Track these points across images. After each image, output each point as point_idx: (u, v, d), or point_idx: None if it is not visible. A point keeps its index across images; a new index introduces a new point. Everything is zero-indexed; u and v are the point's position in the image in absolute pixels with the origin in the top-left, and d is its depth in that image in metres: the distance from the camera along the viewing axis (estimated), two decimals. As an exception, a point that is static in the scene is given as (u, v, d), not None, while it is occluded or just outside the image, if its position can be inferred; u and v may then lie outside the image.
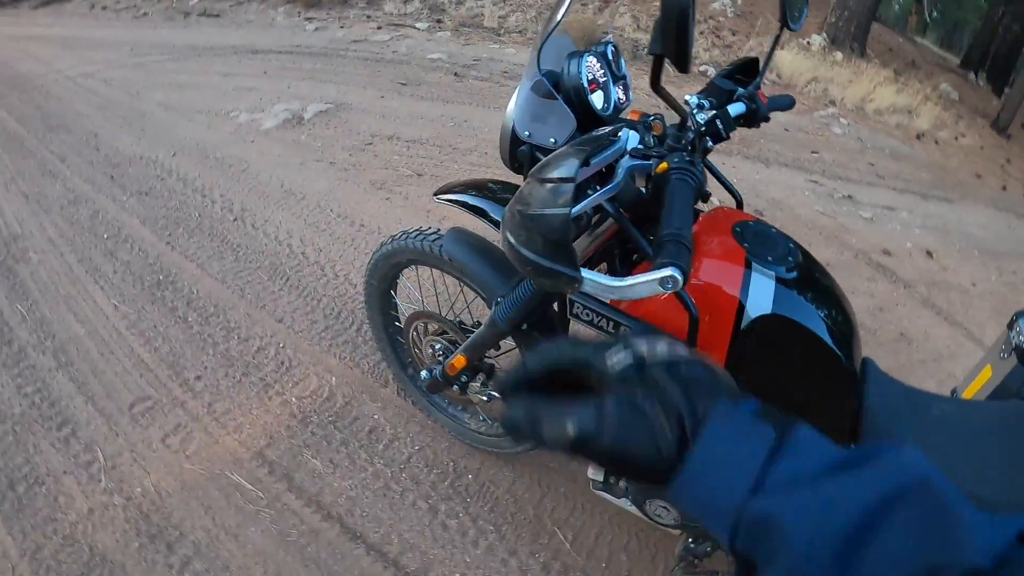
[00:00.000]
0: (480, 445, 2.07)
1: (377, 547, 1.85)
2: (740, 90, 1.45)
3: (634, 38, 6.44)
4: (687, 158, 1.07)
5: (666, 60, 1.12)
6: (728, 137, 1.34)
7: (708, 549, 1.69)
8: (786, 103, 1.60)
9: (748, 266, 1.21)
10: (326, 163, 3.59)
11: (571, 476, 2.07)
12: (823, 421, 1.36)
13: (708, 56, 6.65)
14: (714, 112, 1.31)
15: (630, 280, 0.88)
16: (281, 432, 2.11)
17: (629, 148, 1.09)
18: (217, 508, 1.91)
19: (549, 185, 0.84)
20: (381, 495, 1.98)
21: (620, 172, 1.04)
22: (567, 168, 0.84)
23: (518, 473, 2.09)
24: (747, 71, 1.56)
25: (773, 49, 1.53)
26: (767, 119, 1.50)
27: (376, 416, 2.19)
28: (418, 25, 6.26)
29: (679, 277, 0.86)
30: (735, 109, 1.40)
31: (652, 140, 1.20)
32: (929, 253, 4.56)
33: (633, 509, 1.69)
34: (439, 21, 6.46)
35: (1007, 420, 1.47)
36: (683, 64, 0.98)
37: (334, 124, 4.03)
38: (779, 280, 1.22)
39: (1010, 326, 1.78)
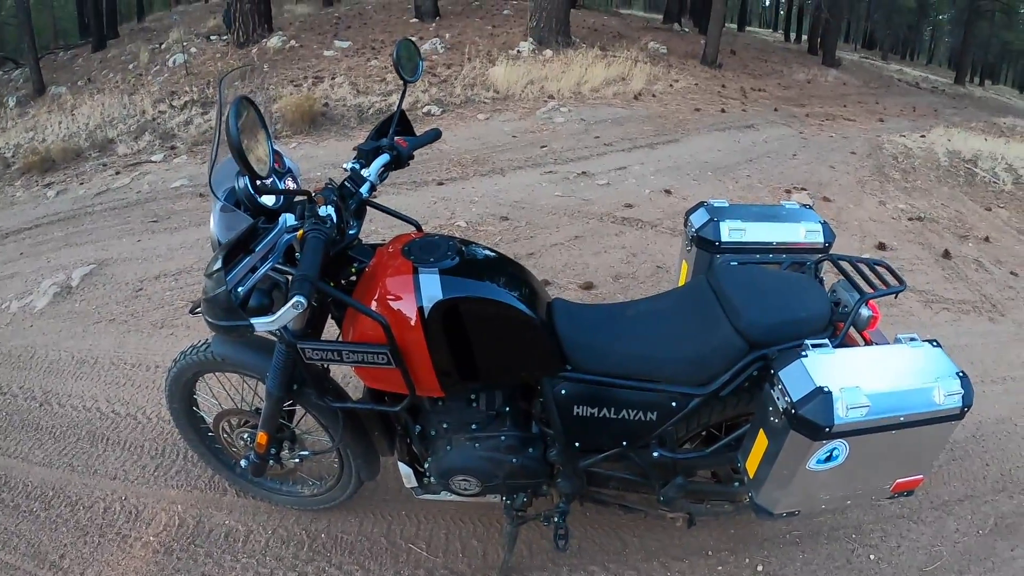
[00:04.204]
0: (320, 506, 2.35)
1: (269, 626, 2.07)
2: (382, 143, 1.86)
3: (356, 103, 6.88)
4: (315, 221, 1.48)
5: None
6: (374, 189, 1.77)
7: (525, 499, 2.03)
8: (431, 137, 2.03)
9: (416, 272, 1.59)
10: (105, 322, 3.66)
11: (406, 499, 2.38)
12: (531, 363, 1.75)
13: (428, 97, 7.21)
14: (341, 185, 1.73)
15: (278, 313, 1.30)
16: (152, 570, 2.24)
17: (286, 228, 1.48)
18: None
19: (212, 277, 1.25)
20: (255, 585, 2.19)
21: (279, 247, 1.44)
22: (216, 263, 1.26)
23: (362, 515, 2.39)
24: (401, 123, 1.97)
25: (400, 102, 1.95)
26: (412, 157, 1.93)
27: (227, 521, 2.39)
28: (154, 158, 6.32)
29: (303, 300, 1.27)
30: (381, 160, 1.81)
31: (326, 211, 1.56)
32: (668, 191, 5.20)
33: (452, 496, 2.03)
34: (173, 148, 6.55)
35: (691, 295, 1.88)
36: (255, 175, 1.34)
37: (102, 283, 4.08)
38: (443, 272, 1.60)
39: (685, 224, 2.21)
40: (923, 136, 7.32)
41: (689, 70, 10.52)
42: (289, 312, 1.29)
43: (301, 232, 1.45)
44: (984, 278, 4.31)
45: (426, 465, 1.94)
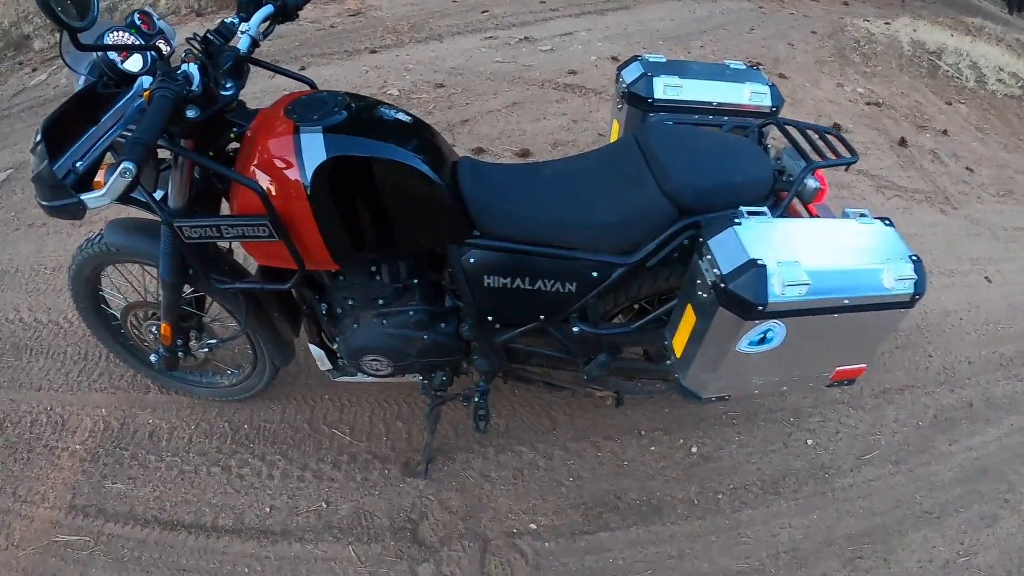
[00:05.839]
0: (241, 395, 2.29)
1: (195, 524, 2.06)
2: None
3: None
4: (163, 77, 1.29)
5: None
6: (256, 44, 1.58)
7: (444, 378, 1.94)
8: None
9: (297, 132, 1.42)
10: (24, 227, 3.46)
11: (329, 384, 2.31)
12: (432, 229, 1.60)
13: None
14: (204, 39, 1.50)
15: (106, 186, 1.12)
16: (80, 479, 2.20)
17: (140, 91, 1.30)
18: (60, 571, 1.99)
19: (36, 151, 1.10)
20: (180, 481, 2.16)
21: (128, 114, 1.25)
22: (37, 135, 1.10)
23: (284, 403, 2.35)
24: None
25: None
26: (300, 8, 1.69)
27: (151, 420, 2.33)
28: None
29: (131, 166, 1.10)
30: (263, 12, 1.61)
31: (189, 68, 1.38)
32: (615, 58, 4.97)
33: (370, 378, 1.97)
34: (93, 39, 6.11)
35: (616, 153, 1.71)
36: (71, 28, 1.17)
37: (20, 187, 3.82)
38: (327, 130, 1.42)
39: (617, 79, 2.01)
40: (888, 23, 7.05)
41: (650, -68, 9.92)
42: (118, 182, 1.12)
43: (147, 93, 1.27)
44: (939, 170, 4.23)
45: (335, 346, 1.86)
